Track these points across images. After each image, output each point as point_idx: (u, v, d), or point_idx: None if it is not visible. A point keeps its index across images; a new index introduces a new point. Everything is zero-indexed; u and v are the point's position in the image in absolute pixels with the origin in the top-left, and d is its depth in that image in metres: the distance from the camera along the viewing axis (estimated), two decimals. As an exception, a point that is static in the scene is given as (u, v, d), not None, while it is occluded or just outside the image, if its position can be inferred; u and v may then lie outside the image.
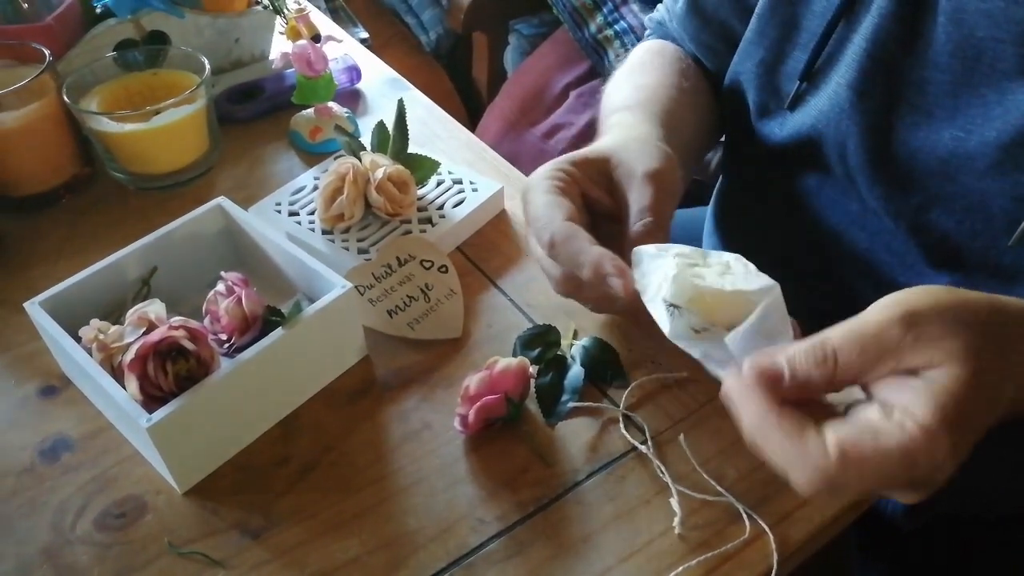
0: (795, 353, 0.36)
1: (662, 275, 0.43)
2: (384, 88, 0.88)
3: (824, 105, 0.55)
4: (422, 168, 0.69)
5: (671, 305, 0.42)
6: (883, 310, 0.35)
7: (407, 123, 0.68)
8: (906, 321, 0.35)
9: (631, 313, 0.49)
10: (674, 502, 0.50)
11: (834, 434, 0.35)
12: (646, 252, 0.45)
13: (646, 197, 0.49)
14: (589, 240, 0.46)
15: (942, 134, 0.50)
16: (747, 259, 0.69)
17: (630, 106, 0.60)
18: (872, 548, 0.69)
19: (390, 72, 0.91)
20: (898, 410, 0.35)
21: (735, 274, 0.42)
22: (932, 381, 0.34)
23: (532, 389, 0.56)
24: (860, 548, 0.70)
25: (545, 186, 0.48)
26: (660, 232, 0.48)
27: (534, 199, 0.49)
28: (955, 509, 0.65)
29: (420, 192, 0.70)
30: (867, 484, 0.35)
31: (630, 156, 0.50)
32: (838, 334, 0.36)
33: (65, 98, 0.69)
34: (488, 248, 0.68)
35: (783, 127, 0.59)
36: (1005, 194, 0.48)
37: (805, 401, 0.37)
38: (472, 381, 0.52)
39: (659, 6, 0.74)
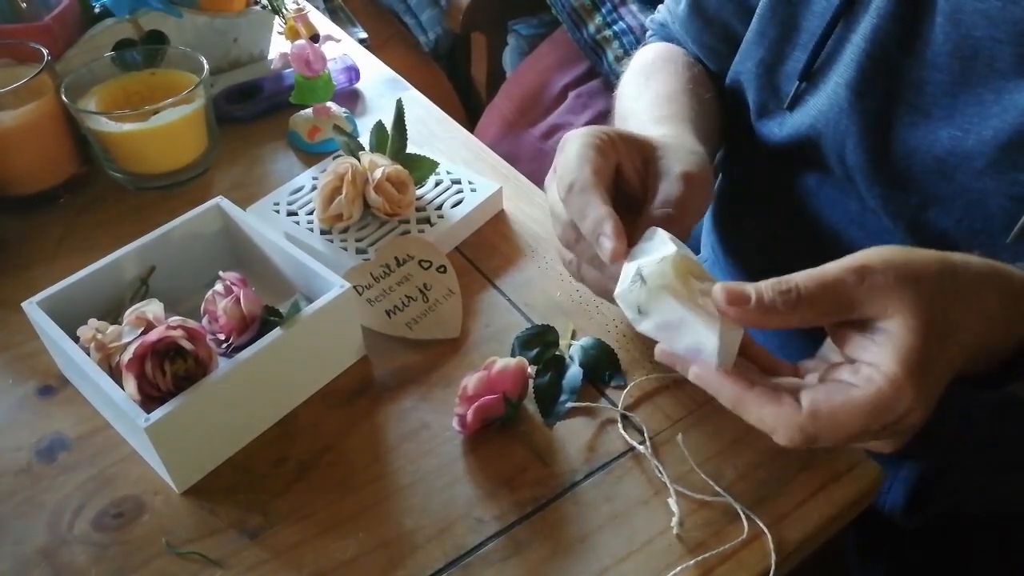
0: (762, 284, 0.39)
1: (658, 254, 0.43)
2: (383, 88, 0.88)
3: (823, 105, 0.55)
4: (421, 168, 0.69)
5: (640, 275, 0.42)
6: (842, 262, 0.39)
7: (406, 123, 0.68)
8: (859, 272, 0.38)
9: (606, 295, 0.49)
10: (672, 502, 0.50)
11: (808, 394, 0.39)
12: (661, 233, 0.45)
13: (675, 192, 0.48)
14: (603, 198, 0.46)
15: (940, 133, 0.50)
16: (745, 258, 0.70)
17: (664, 117, 0.59)
18: (870, 548, 0.69)
19: (389, 72, 0.91)
20: (865, 365, 0.38)
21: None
22: (891, 334, 0.37)
23: (530, 389, 0.56)
24: (858, 548, 0.70)
25: (585, 140, 0.48)
26: (675, 227, 0.47)
27: (569, 148, 0.48)
28: (953, 509, 0.65)
29: (419, 192, 0.70)
30: (842, 435, 0.38)
31: (673, 153, 0.50)
32: (802, 276, 0.39)
33: (63, 98, 0.69)
34: (487, 248, 0.68)
35: (782, 127, 0.59)
36: (1003, 193, 0.48)
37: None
38: (470, 381, 0.52)
39: (660, 7, 0.74)
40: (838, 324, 0.40)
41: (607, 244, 0.44)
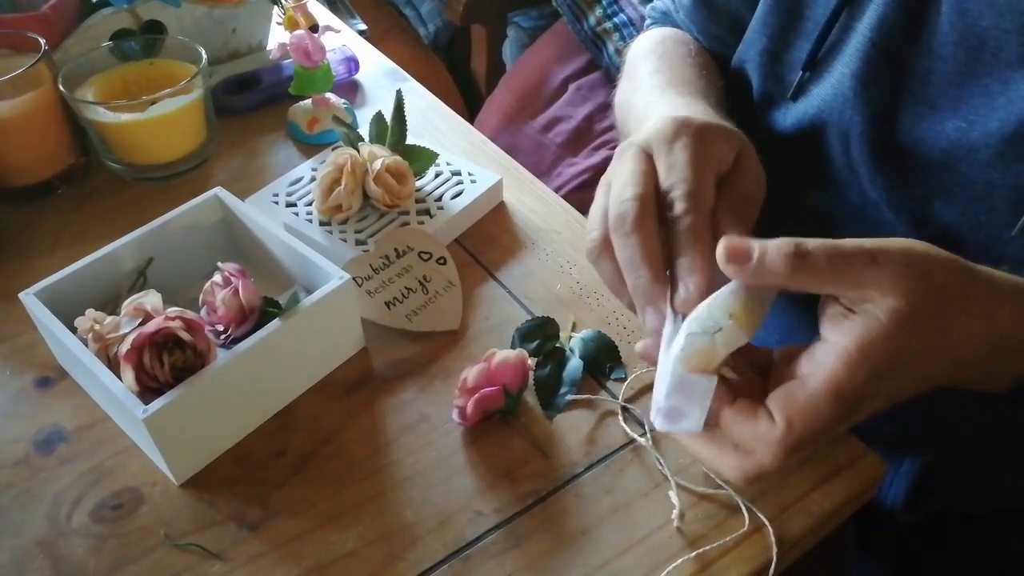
0: (770, 243, 0.38)
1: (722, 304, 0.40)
2: (382, 79, 0.88)
3: (827, 94, 0.54)
4: (420, 159, 0.69)
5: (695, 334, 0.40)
6: (860, 240, 0.38)
7: (405, 114, 0.68)
8: (874, 254, 0.37)
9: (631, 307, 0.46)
10: (673, 495, 0.49)
11: (773, 401, 0.38)
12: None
13: (755, 194, 0.47)
14: (650, 256, 0.42)
15: (945, 124, 0.50)
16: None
17: (692, 94, 0.56)
18: (871, 542, 0.69)
19: (388, 63, 0.90)
20: (820, 347, 0.38)
21: None
22: (869, 315, 0.37)
23: (530, 381, 0.56)
24: (859, 542, 0.70)
25: (699, 146, 0.44)
26: (750, 224, 0.46)
27: (689, 149, 0.44)
28: (954, 504, 0.65)
29: (418, 183, 0.69)
30: (817, 435, 0.37)
31: (750, 149, 0.48)
32: (814, 241, 0.38)
33: (61, 88, 0.69)
34: (487, 240, 0.68)
35: (786, 116, 0.58)
36: (1008, 185, 0.48)
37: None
38: (470, 373, 0.52)
39: None
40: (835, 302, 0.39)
41: (649, 320, 0.43)
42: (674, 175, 0.44)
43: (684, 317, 0.41)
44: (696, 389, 0.40)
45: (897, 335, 0.36)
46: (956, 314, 0.38)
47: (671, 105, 0.54)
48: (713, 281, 0.42)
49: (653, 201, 0.43)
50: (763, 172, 0.48)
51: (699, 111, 0.51)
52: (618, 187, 0.44)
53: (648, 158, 0.45)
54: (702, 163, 0.44)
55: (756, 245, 0.38)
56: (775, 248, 0.38)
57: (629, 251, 0.42)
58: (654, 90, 0.59)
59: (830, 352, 0.37)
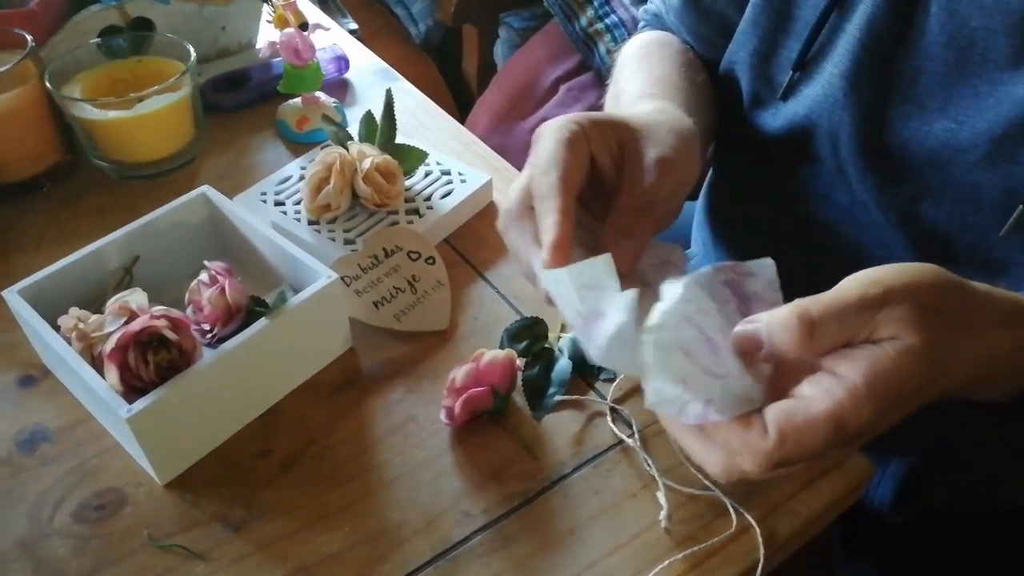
0: (773, 323, 0.37)
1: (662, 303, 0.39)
2: (372, 78, 0.87)
3: (817, 95, 0.54)
4: (410, 159, 0.69)
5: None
6: (862, 287, 0.37)
7: (395, 113, 0.68)
8: (884, 299, 0.36)
9: (529, 278, 0.47)
10: (661, 496, 0.49)
11: (771, 413, 0.37)
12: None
13: (648, 180, 0.47)
14: (562, 206, 0.44)
15: (934, 125, 0.50)
16: (736, 252, 0.69)
17: (654, 94, 0.58)
18: (858, 543, 0.69)
19: (379, 62, 0.90)
20: (827, 376, 0.36)
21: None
22: (878, 351, 0.36)
23: (519, 382, 0.56)
24: (846, 543, 0.70)
25: (557, 135, 0.46)
26: (649, 218, 0.46)
27: (542, 146, 0.46)
28: (941, 504, 0.65)
29: (408, 183, 0.69)
30: (805, 457, 0.37)
31: (652, 136, 0.48)
32: (818, 309, 0.37)
33: (47, 84, 0.68)
34: (476, 240, 0.68)
35: (776, 117, 0.58)
36: (996, 185, 0.48)
37: None
38: (458, 373, 0.52)
39: None
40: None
41: (543, 253, 0.43)
42: (535, 167, 0.46)
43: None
44: (597, 274, 0.40)
45: (907, 371, 0.35)
46: (959, 339, 0.37)
47: (624, 110, 0.55)
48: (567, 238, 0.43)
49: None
50: (675, 154, 0.48)
51: (643, 108, 0.52)
52: (538, 168, 0.46)
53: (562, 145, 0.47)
54: (554, 150, 0.45)
55: (763, 329, 0.37)
56: (780, 327, 0.37)
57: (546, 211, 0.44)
58: (630, 98, 0.60)
59: (837, 384, 0.36)
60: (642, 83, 0.61)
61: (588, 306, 0.40)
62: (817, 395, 0.36)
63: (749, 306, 0.42)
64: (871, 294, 0.36)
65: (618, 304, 0.40)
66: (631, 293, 0.40)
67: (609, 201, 0.48)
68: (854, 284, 0.37)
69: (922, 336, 0.35)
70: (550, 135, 0.46)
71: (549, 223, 0.43)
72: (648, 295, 0.42)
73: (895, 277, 0.37)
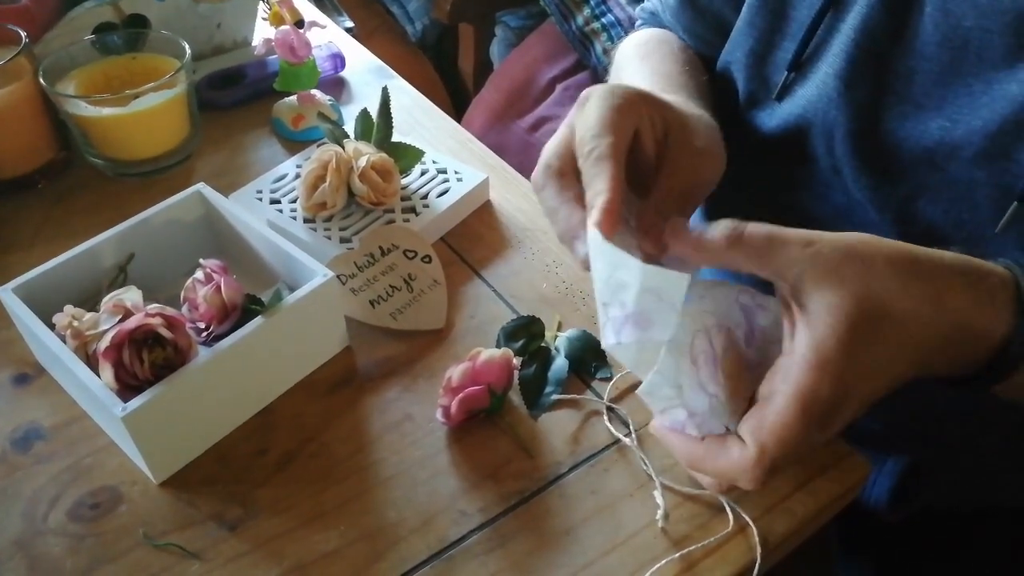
0: (714, 224, 0.39)
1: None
2: (368, 76, 0.87)
3: (812, 95, 0.54)
4: (406, 157, 0.68)
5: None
6: (803, 231, 0.38)
7: (391, 111, 0.68)
8: (809, 238, 0.38)
9: (565, 242, 0.46)
10: (657, 495, 0.49)
11: (748, 430, 0.38)
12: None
13: (693, 169, 0.48)
14: (615, 171, 0.43)
15: (929, 124, 0.50)
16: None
17: (664, 90, 0.57)
18: (855, 542, 0.69)
19: (375, 60, 0.90)
20: (784, 359, 0.38)
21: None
22: (814, 316, 0.37)
23: (515, 381, 0.56)
24: (843, 542, 0.70)
25: (608, 102, 0.45)
26: (688, 205, 0.48)
27: (591, 108, 0.45)
28: (937, 504, 0.65)
29: (404, 181, 0.69)
30: (792, 453, 0.37)
31: (695, 126, 0.49)
32: (754, 223, 0.39)
33: (41, 81, 0.68)
34: (472, 238, 0.68)
35: (771, 117, 0.58)
36: (991, 183, 0.48)
37: None
38: (455, 372, 0.52)
39: None
40: (785, 297, 0.39)
41: (595, 215, 0.42)
42: (582, 127, 0.45)
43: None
44: (668, 287, 0.39)
45: (846, 330, 0.36)
46: (905, 303, 0.37)
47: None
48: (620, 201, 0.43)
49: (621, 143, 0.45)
50: (711, 146, 0.49)
51: (670, 98, 0.51)
52: (589, 129, 0.45)
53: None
54: (607, 114, 0.44)
55: (697, 229, 0.39)
56: (718, 226, 0.39)
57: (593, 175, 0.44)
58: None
59: (791, 364, 0.37)
60: (647, 80, 0.61)
61: (640, 307, 0.40)
62: (777, 386, 0.37)
63: (754, 337, 0.42)
64: (804, 233, 0.38)
65: (669, 324, 0.40)
66: (684, 322, 0.41)
67: (640, 177, 0.47)
68: (795, 230, 0.38)
69: (848, 289, 0.36)
70: (601, 98, 0.45)
71: (601, 187, 0.42)
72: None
73: (827, 234, 0.38)
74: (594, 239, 0.41)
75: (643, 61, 0.64)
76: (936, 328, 0.38)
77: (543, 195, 0.46)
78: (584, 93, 0.46)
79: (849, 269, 0.37)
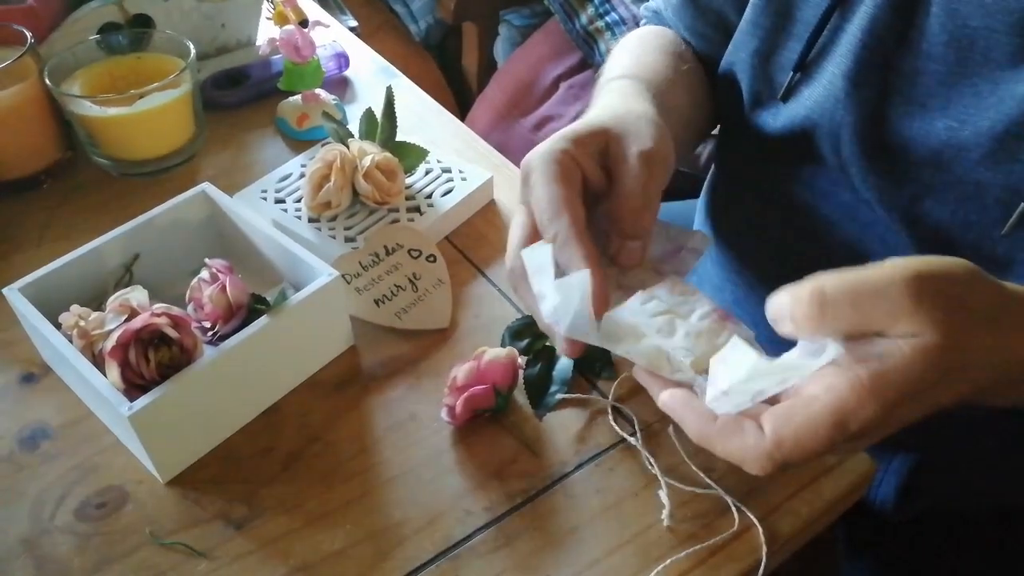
0: (792, 295, 0.36)
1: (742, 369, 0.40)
2: (373, 76, 0.87)
3: (819, 95, 0.54)
4: (410, 156, 0.69)
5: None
6: (890, 268, 0.35)
7: (396, 111, 0.68)
8: (903, 289, 0.34)
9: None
10: (663, 494, 0.49)
11: (770, 419, 0.37)
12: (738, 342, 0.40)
13: (637, 178, 0.48)
14: (585, 253, 0.45)
15: (936, 124, 0.50)
16: (738, 250, 0.69)
17: (628, 75, 0.59)
18: (860, 541, 0.69)
19: (379, 60, 0.90)
20: (832, 369, 0.36)
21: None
22: (892, 347, 0.35)
23: (520, 380, 0.56)
24: (848, 541, 0.70)
25: (550, 172, 0.46)
26: (647, 213, 0.47)
27: (537, 187, 0.47)
28: (943, 502, 0.65)
29: (408, 181, 0.69)
30: (809, 455, 0.36)
31: (626, 132, 0.49)
32: (833, 286, 0.35)
33: (47, 81, 0.68)
34: (477, 238, 0.68)
35: (776, 118, 0.58)
36: (998, 184, 0.48)
37: None
38: (460, 371, 0.52)
39: None
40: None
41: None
42: (538, 211, 0.47)
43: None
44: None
45: (917, 368, 0.34)
46: (982, 340, 0.35)
47: (591, 110, 0.55)
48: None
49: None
50: (652, 143, 0.49)
51: (597, 114, 0.52)
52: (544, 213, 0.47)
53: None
54: (554, 191, 0.46)
55: (786, 301, 0.36)
56: (795, 299, 0.36)
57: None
58: (603, 81, 0.61)
59: (841, 378, 0.35)
60: (621, 68, 0.62)
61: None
62: (818, 392, 0.36)
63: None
64: (892, 278, 0.34)
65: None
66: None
67: (602, 202, 0.49)
68: (879, 267, 0.35)
69: (941, 333, 0.34)
70: (542, 172, 0.47)
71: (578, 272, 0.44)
72: (666, 284, 0.44)
73: (923, 266, 0.34)
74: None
75: (629, 51, 0.65)
76: (993, 366, 0.36)
77: (520, 293, 0.48)
78: (524, 167, 0.48)
79: (948, 313, 0.34)
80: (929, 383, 0.35)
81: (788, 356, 0.38)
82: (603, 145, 0.49)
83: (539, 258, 0.44)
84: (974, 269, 0.36)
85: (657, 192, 0.48)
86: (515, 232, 0.48)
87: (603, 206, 0.49)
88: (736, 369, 0.38)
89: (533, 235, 0.47)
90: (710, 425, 0.39)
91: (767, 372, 0.37)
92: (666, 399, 0.42)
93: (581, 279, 0.43)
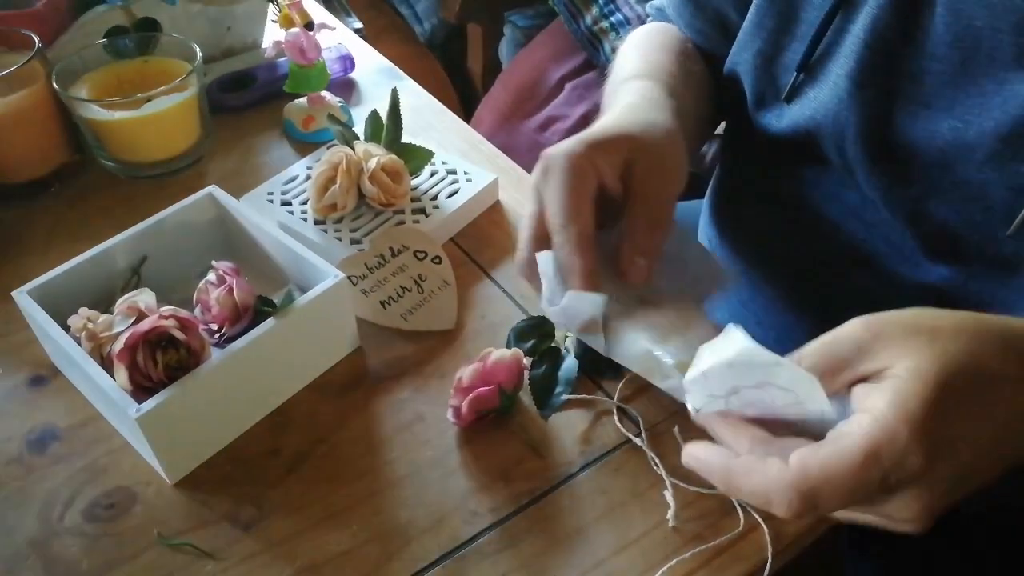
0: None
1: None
2: (378, 78, 0.88)
3: (823, 96, 0.54)
4: (416, 158, 0.69)
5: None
6: (849, 322, 0.38)
7: (401, 112, 0.68)
8: (866, 323, 0.37)
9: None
10: (668, 494, 0.49)
11: (796, 452, 0.36)
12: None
13: (656, 199, 0.49)
14: (589, 254, 0.47)
15: (941, 125, 0.50)
16: (743, 250, 0.69)
17: (644, 76, 0.60)
18: (864, 541, 0.69)
19: (384, 61, 0.90)
20: (858, 413, 0.36)
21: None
22: (896, 378, 0.35)
23: (526, 381, 0.56)
24: (853, 542, 0.70)
25: (566, 178, 0.47)
26: (659, 232, 0.49)
27: (552, 185, 0.47)
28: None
29: (414, 182, 0.69)
30: (841, 491, 0.35)
31: (650, 147, 0.50)
32: (809, 346, 0.38)
33: (54, 85, 0.68)
34: (482, 239, 0.68)
35: (780, 119, 0.58)
36: (1004, 184, 0.48)
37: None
38: (465, 373, 0.52)
39: None
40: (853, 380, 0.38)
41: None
42: (550, 210, 0.48)
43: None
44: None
45: (930, 393, 0.34)
46: (998, 387, 0.35)
47: (615, 111, 0.55)
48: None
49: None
50: (672, 160, 0.50)
51: (623, 119, 0.52)
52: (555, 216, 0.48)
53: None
54: (565, 199, 0.47)
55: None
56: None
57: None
58: (619, 79, 0.62)
59: (865, 415, 0.35)
60: (634, 66, 0.62)
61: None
62: (848, 430, 0.35)
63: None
64: (854, 322, 0.37)
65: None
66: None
67: (613, 210, 0.49)
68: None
69: (930, 358, 0.35)
70: (558, 175, 0.47)
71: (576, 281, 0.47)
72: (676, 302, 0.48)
73: (882, 313, 0.37)
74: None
75: (637, 50, 0.66)
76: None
77: (530, 280, 0.50)
78: (543, 159, 0.48)
79: (919, 340, 0.36)
80: (949, 416, 0.34)
81: (777, 358, 0.38)
82: (626, 154, 0.49)
83: (551, 265, 0.48)
84: (922, 308, 0.38)
85: (671, 212, 0.49)
86: (526, 223, 0.50)
87: (620, 223, 0.50)
88: (723, 352, 0.38)
89: (541, 227, 0.49)
90: (731, 461, 0.38)
91: (749, 364, 0.37)
92: (689, 450, 0.40)
93: (594, 302, 0.47)
